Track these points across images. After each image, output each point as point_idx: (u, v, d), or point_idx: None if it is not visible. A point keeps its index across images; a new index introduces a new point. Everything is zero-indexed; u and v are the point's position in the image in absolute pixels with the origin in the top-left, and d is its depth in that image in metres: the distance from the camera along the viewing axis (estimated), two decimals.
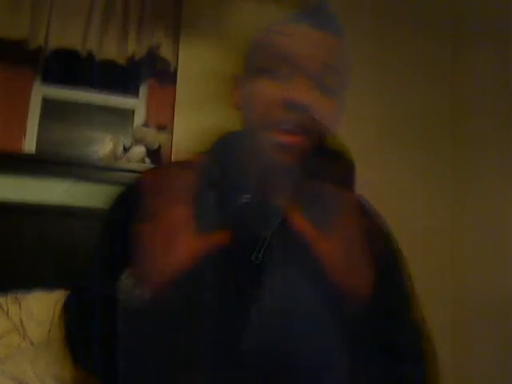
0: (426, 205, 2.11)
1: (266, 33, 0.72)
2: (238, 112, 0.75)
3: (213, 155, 0.74)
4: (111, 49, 1.91)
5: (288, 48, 0.67)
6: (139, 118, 2.07)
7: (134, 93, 2.11)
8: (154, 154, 1.90)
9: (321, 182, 0.64)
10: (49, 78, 2.01)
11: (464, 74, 2.19)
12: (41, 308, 1.42)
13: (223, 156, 0.74)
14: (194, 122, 1.85)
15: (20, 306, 1.43)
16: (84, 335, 0.65)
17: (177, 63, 1.99)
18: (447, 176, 2.16)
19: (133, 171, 1.71)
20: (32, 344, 1.35)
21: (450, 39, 2.27)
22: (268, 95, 0.66)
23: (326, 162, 0.68)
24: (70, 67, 1.98)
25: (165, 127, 1.98)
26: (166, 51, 1.96)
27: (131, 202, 0.63)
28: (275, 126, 0.66)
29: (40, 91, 2.00)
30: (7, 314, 1.40)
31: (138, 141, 1.91)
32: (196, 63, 1.97)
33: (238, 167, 0.72)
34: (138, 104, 2.10)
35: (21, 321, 1.39)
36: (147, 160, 1.88)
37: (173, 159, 1.86)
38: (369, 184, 0.75)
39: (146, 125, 1.99)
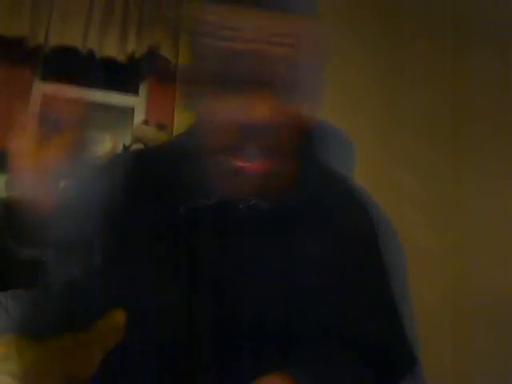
0: (426, 205, 2.11)
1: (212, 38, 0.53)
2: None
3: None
4: (111, 46, 1.91)
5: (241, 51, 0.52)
6: (139, 116, 2.07)
7: (134, 91, 2.11)
8: None
9: None
10: (49, 76, 2.01)
11: (464, 76, 2.19)
12: None
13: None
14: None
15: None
16: None
17: (177, 61, 1.99)
18: (448, 178, 2.17)
19: None
20: None
21: (450, 40, 2.26)
22: (223, 119, 0.54)
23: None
24: (69, 65, 1.98)
25: (165, 125, 1.97)
26: (166, 49, 1.96)
27: None
28: (233, 152, 0.54)
29: (40, 89, 2.00)
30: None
31: (137, 139, 1.91)
32: None
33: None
34: (138, 102, 2.10)
35: None
36: None
37: None
38: None
39: (145, 123, 1.99)
